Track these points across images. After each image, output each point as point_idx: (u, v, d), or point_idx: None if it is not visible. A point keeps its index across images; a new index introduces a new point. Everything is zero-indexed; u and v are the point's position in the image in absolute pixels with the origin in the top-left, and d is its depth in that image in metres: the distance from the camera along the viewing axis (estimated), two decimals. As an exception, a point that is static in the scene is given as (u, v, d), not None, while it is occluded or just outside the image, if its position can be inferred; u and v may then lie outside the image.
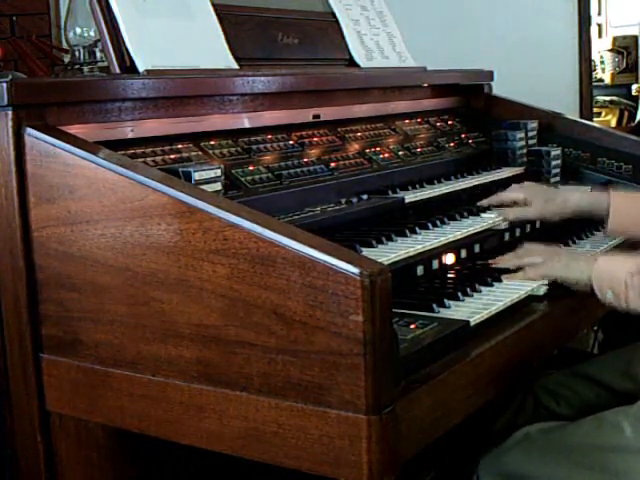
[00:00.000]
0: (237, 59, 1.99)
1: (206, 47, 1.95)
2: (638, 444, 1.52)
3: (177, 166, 1.59)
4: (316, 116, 2.10)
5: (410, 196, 1.97)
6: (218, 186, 1.56)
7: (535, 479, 1.61)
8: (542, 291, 1.69)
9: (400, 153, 2.22)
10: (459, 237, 1.82)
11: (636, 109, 7.16)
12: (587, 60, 4.03)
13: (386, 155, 2.16)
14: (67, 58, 2.44)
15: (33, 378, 1.49)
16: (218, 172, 1.57)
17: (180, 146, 1.72)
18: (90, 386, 1.43)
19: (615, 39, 7.69)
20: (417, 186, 2.08)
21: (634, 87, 7.34)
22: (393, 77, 2.43)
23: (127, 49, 1.78)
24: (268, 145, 1.91)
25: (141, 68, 1.77)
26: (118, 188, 1.34)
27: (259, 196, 1.71)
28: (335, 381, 1.18)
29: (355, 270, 1.15)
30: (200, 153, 1.74)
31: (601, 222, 1.99)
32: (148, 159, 1.62)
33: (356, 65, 2.39)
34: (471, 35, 3.95)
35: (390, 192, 1.99)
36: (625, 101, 7.34)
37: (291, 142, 1.97)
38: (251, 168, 1.79)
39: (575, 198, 2.00)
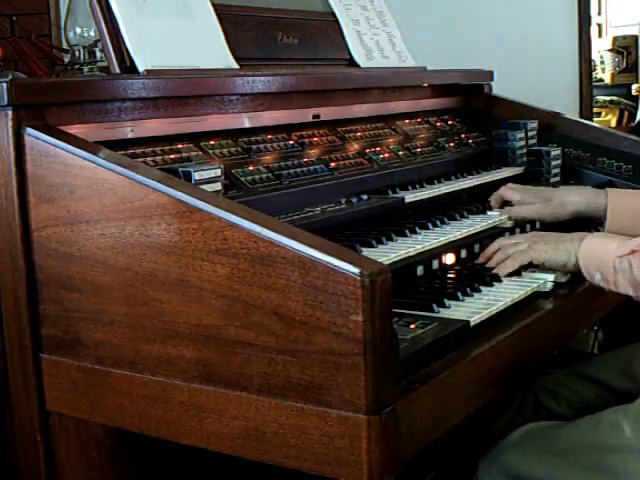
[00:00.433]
0: (237, 59, 1.99)
1: (206, 47, 1.95)
2: (637, 444, 1.52)
3: (177, 166, 1.59)
4: (316, 116, 2.10)
5: (410, 196, 1.98)
6: (218, 186, 1.56)
7: (534, 479, 1.61)
8: (549, 287, 1.70)
9: (400, 153, 2.22)
10: (459, 237, 1.81)
11: (636, 109, 7.16)
12: (587, 60, 4.03)
13: (386, 155, 2.16)
14: (67, 58, 2.44)
15: (33, 378, 1.49)
16: (218, 172, 1.57)
17: (180, 146, 1.72)
18: (90, 386, 1.43)
19: (615, 39, 7.69)
20: (417, 186, 2.08)
21: (634, 87, 7.34)
22: (393, 77, 2.43)
23: (127, 49, 1.78)
24: (268, 145, 1.91)
25: (141, 68, 1.77)
26: (118, 188, 1.34)
27: (259, 196, 1.71)
28: (335, 381, 1.18)
29: (355, 270, 1.15)
30: (200, 153, 1.74)
31: (600, 222, 1.99)
32: (148, 159, 1.62)
33: (356, 65, 2.39)
34: (471, 35, 3.96)
35: (390, 192, 1.99)
36: (625, 101, 7.34)
37: (291, 142, 1.97)
38: (251, 168, 1.79)
39: (572, 201, 1.99)
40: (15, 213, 1.44)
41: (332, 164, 1.98)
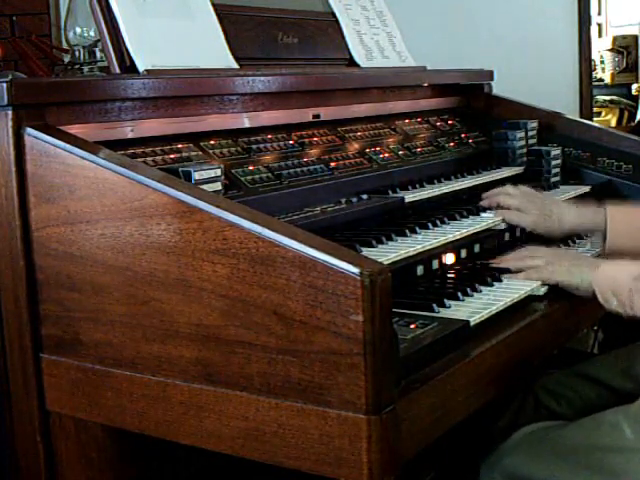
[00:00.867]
0: (237, 59, 1.99)
1: (206, 47, 1.95)
2: (638, 444, 1.52)
3: (177, 166, 1.59)
4: (316, 116, 2.10)
5: (410, 196, 1.97)
6: (218, 186, 1.56)
7: None
8: (542, 291, 1.70)
9: (400, 153, 2.22)
10: (459, 237, 1.81)
11: (636, 109, 7.16)
12: (587, 60, 4.03)
13: (386, 155, 2.16)
14: (67, 58, 2.44)
15: (33, 378, 1.49)
16: (218, 172, 1.57)
17: (180, 146, 1.72)
18: (90, 386, 1.43)
19: (615, 39, 7.69)
20: (417, 186, 2.08)
21: (634, 87, 7.34)
22: (393, 77, 2.43)
23: (127, 49, 1.78)
24: (268, 145, 1.91)
25: (141, 68, 1.77)
26: (118, 188, 1.34)
27: (259, 196, 1.70)
28: (335, 381, 1.18)
29: (355, 270, 1.15)
30: (200, 153, 1.74)
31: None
32: (148, 159, 1.62)
33: (356, 65, 2.39)
34: (471, 35, 3.96)
35: (390, 192, 1.99)
36: (625, 101, 7.34)
37: (291, 142, 1.97)
38: (251, 168, 1.79)
39: (570, 220, 1.96)
40: (15, 213, 1.44)
41: (332, 164, 1.97)
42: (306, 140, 2.01)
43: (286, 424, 1.23)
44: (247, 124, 1.91)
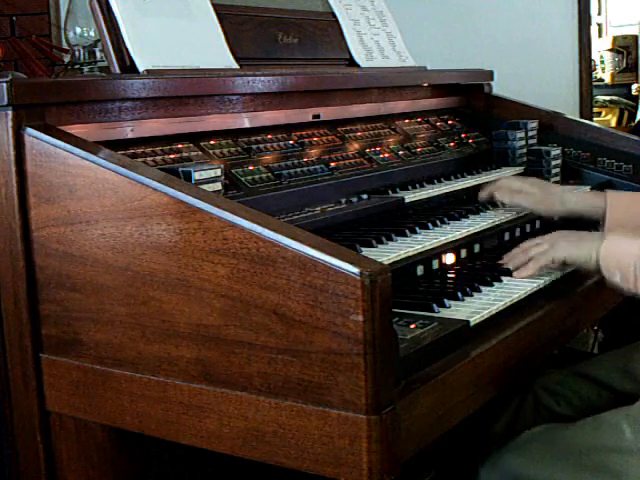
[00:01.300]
0: (237, 59, 1.99)
1: (206, 47, 1.95)
2: (638, 445, 1.52)
3: (177, 166, 1.59)
4: (316, 116, 2.10)
5: (410, 196, 1.98)
6: (218, 186, 1.56)
7: None
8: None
9: (400, 153, 2.22)
10: (459, 237, 1.82)
11: (636, 109, 7.16)
12: (587, 60, 4.03)
13: (386, 155, 2.16)
14: (67, 58, 2.44)
15: (33, 378, 1.49)
16: (218, 172, 1.57)
17: (180, 146, 1.72)
18: (90, 386, 1.43)
19: (615, 39, 7.69)
20: (417, 186, 2.08)
21: (634, 87, 7.35)
22: (393, 77, 2.43)
23: (127, 49, 1.78)
24: (268, 145, 1.91)
25: (141, 68, 1.77)
26: (118, 188, 1.34)
27: (259, 196, 1.71)
28: (335, 381, 1.18)
29: (355, 270, 1.15)
30: (200, 153, 1.74)
31: (597, 223, 1.98)
32: (148, 159, 1.62)
33: (356, 65, 2.39)
34: (471, 35, 3.96)
35: (390, 192, 1.99)
36: (625, 101, 7.35)
37: (291, 142, 1.97)
38: (251, 168, 1.79)
39: (571, 199, 2.00)
40: (15, 213, 1.44)
41: (332, 164, 1.98)
42: (306, 140, 2.01)
43: (286, 424, 1.23)
44: (247, 124, 1.92)
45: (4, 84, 1.39)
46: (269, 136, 1.94)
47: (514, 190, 2.01)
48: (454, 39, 3.95)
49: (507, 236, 2.05)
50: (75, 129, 1.50)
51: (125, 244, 1.34)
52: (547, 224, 2.08)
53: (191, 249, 1.28)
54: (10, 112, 1.41)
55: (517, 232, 2.09)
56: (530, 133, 2.51)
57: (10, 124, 1.41)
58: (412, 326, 1.41)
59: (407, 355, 1.29)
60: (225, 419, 1.29)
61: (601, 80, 7.49)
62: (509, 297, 1.60)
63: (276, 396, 1.23)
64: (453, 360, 1.37)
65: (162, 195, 1.30)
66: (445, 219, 1.89)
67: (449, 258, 1.81)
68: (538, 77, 3.85)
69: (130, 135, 1.65)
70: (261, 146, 1.88)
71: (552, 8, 4.00)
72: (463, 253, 1.86)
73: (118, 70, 1.77)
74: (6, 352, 1.52)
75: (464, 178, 2.23)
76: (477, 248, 1.91)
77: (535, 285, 1.68)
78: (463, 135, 2.54)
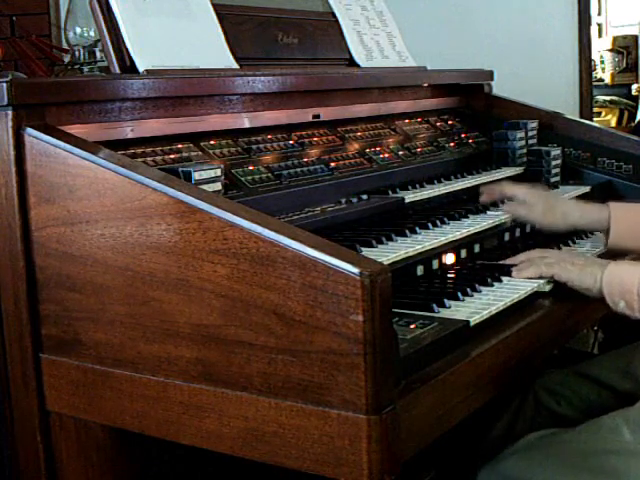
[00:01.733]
0: (237, 59, 1.99)
1: (206, 47, 1.95)
2: (637, 447, 1.52)
3: (177, 166, 1.59)
4: (316, 116, 2.10)
5: (410, 196, 1.98)
6: (218, 186, 1.56)
7: None
8: (547, 288, 1.69)
9: (400, 153, 2.22)
10: (459, 237, 1.81)
11: (636, 109, 7.16)
12: (587, 60, 4.03)
13: (386, 155, 2.16)
14: (67, 58, 2.44)
15: (33, 378, 1.49)
16: (218, 172, 1.57)
17: (180, 146, 1.72)
18: (90, 386, 1.43)
19: (615, 39, 7.70)
20: (417, 186, 2.08)
21: (634, 87, 7.35)
22: (393, 77, 2.43)
23: (127, 49, 1.78)
24: (268, 145, 1.91)
25: (141, 68, 1.77)
26: (118, 188, 1.34)
27: (259, 196, 1.71)
28: (335, 381, 1.18)
29: (355, 270, 1.15)
30: (200, 153, 1.74)
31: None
32: (148, 159, 1.62)
33: (356, 65, 2.39)
34: (471, 35, 3.96)
35: (390, 192, 1.99)
36: (625, 101, 7.35)
37: (291, 142, 1.97)
38: (251, 168, 1.79)
39: (575, 216, 1.96)
40: (15, 213, 1.44)
41: (332, 164, 1.98)
42: (306, 140, 2.01)
43: (286, 424, 1.23)
44: (247, 124, 1.92)
45: (4, 84, 1.39)
46: (269, 136, 1.94)
47: (517, 201, 1.99)
48: (454, 39, 3.95)
49: (507, 236, 2.05)
50: (75, 129, 1.51)
51: (125, 244, 1.34)
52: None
53: (191, 249, 1.28)
54: (10, 112, 1.41)
55: (517, 232, 2.09)
56: (530, 133, 2.51)
57: (10, 124, 1.41)
58: (412, 326, 1.41)
59: (407, 355, 1.29)
60: (225, 419, 1.29)
61: (601, 80, 7.49)
62: (509, 297, 1.60)
63: (276, 396, 1.23)
64: (453, 360, 1.37)
65: (162, 195, 1.30)
66: (445, 219, 1.89)
67: (449, 258, 1.81)
68: (538, 77, 3.85)
69: (130, 135, 1.65)
70: (261, 146, 1.88)
71: (552, 8, 4.00)
72: (463, 253, 1.86)
73: (118, 70, 1.77)
74: (6, 352, 1.52)
75: (464, 178, 2.23)
76: (477, 248, 1.91)
77: (535, 285, 1.68)
78: (463, 135, 2.54)
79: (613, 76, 7.57)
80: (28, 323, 1.47)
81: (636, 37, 7.58)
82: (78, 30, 2.24)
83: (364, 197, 1.91)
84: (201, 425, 1.31)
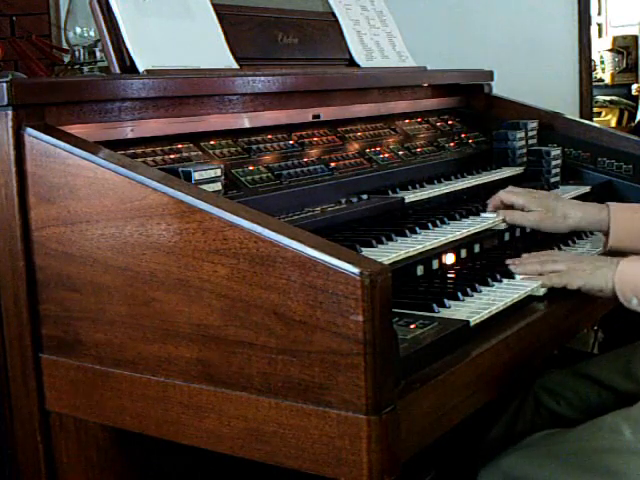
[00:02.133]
0: (237, 59, 1.99)
1: (206, 47, 1.95)
2: (638, 446, 1.52)
3: (177, 166, 1.59)
4: (316, 116, 2.10)
5: (410, 196, 1.97)
6: (218, 186, 1.56)
7: None
8: (542, 292, 1.69)
9: (400, 153, 2.22)
10: (459, 237, 1.81)
11: (636, 109, 7.16)
12: (587, 60, 4.03)
13: (386, 155, 2.16)
14: (67, 58, 2.44)
15: (33, 378, 1.49)
16: (218, 172, 1.57)
17: (180, 146, 1.72)
18: (90, 386, 1.43)
19: (615, 39, 7.70)
20: (417, 186, 2.08)
21: (634, 87, 7.35)
22: (393, 77, 2.43)
23: (127, 49, 1.78)
24: (268, 145, 1.91)
25: (141, 68, 1.77)
26: (118, 188, 1.34)
27: (259, 196, 1.71)
28: (335, 381, 1.18)
29: (355, 270, 1.15)
30: (200, 153, 1.74)
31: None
32: (148, 159, 1.62)
33: (356, 65, 2.39)
34: (471, 35, 3.96)
35: (390, 192, 1.99)
36: (625, 101, 7.35)
37: (291, 142, 1.97)
38: (251, 168, 1.79)
39: (575, 216, 1.95)
40: (15, 213, 1.44)
41: (332, 164, 1.98)
42: (306, 140, 2.01)
43: (286, 424, 1.23)
44: (247, 124, 1.92)
45: (4, 84, 1.39)
46: (269, 136, 1.94)
47: (517, 208, 1.97)
48: (454, 39, 3.95)
49: (507, 236, 2.05)
50: (75, 129, 1.51)
51: (125, 244, 1.34)
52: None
53: (191, 249, 1.28)
54: (10, 112, 1.41)
55: (517, 232, 2.09)
56: (530, 133, 2.51)
57: (10, 124, 1.41)
58: (412, 326, 1.41)
59: (407, 355, 1.29)
60: (225, 419, 1.29)
61: (601, 80, 7.49)
62: (509, 297, 1.60)
63: (276, 396, 1.23)
64: (453, 360, 1.37)
65: (162, 195, 1.30)
66: (445, 219, 1.89)
67: (449, 258, 1.81)
68: (538, 77, 3.85)
69: (130, 135, 1.65)
70: (261, 146, 1.88)
71: (552, 8, 4.00)
72: (463, 253, 1.86)
73: (118, 70, 1.77)
74: (6, 352, 1.52)
75: (464, 178, 2.23)
76: (477, 248, 1.91)
77: (535, 285, 1.68)
78: (463, 135, 2.54)
79: (613, 76, 7.57)
80: (28, 323, 1.47)
81: (636, 37, 7.58)
82: (78, 30, 2.24)
83: (364, 197, 1.90)
84: (201, 425, 1.32)
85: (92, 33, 2.22)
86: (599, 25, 8.01)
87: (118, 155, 1.44)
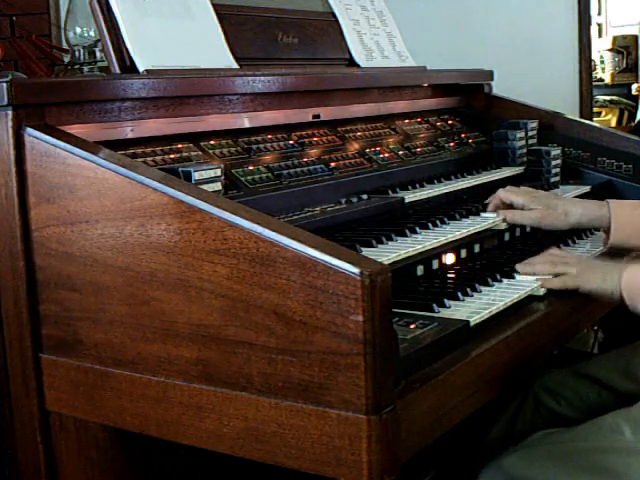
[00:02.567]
0: (237, 59, 1.99)
1: (206, 47, 1.95)
2: (638, 445, 1.52)
3: (177, 166, 1.59)
4: (316, 116, 2.10)
5: (410, 196, 1.97)
6: (218, 186, 1.56)
7: None
8: (542, 292, 1.69)
9: (400, 153, 2.22)
10: (459, 237, 1.81)
11: (636, 109, 7.16)
12: (587, 60, 4.03)
13: (386, 155, 2.16)
14: (67, 58, 2.44)
15: (33, 378, 1.49)
16: (218, 172, 1.57)
17: (180, 146, 1.72)
18: (90, 386, 1.43)
19: (615, 39, 7.70)
20: (417, 186, 2.08)
21: (634, 87, 7.35)
22: (393, 77, 2.43)
23: (127, 49, 1.78)
24: (268, 145, 1.91)
25: (141, 68, 1.77)
26: (118, 188, 1.34)
27: (259, 196, 1.71)
28: (335, 381, 1.18)
29: (355, 270, 1.15)
30: (200, 153, 1.74)
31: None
32: (148, 159, 1.62)
33: (356, 65, 2.39)
34: (471, 35, 3.96)
35: (390, 192, 1.99)
36: (625, 101, 7.35)
37: (291, 142, 1.97)
38: (251, 168, 1.79)
39: (575, 212, 1.95)
40: (15, 213, 1.44)
41: (332, 164, 1.98)
42: (306, 140, 2.01)
43: (286, 424, 1.23)
44: (247, 124, 1.92)
45: (4, 84, 1.39)
46: (269, 136, 1.94)
47: (517, 207, 1.97)
48: (454, 39, 3.95)
49: (507, 236, 2.05)
50: (75, 129, 1.51)
51: (125, 244, 1.34)
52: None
53: (191, 249, 1.28)
54: (10, 112, 1.41)
55: (517, 232, 2.09)
56: (530, 133, 2.51)
57: (10, 124, 1.41)
58: (412, 326, 1.41)
59: (407, 355, 1.29)
60: (225, 419, 1.29)
61: (601, 80, 7.49)
62: (509, 297, 1.60)
63: (276, 396, 1.23)
64: (453, 360, 1.37)
65: (162, 195, 1.30)
66: (445, 219, 1.89)
67: (449, 258, 1.81)
68: (538, 77, 3.85)
69: (130, 135, 1.65)
70: (261, 146, 1.88)
71: (552, 8, 4.00)
72: (463, 253, 1.86)
73: (118, 70, 1.77)
74: (6, 352, 1.52)
75: (464, 178, 2.23)
76: (477, 248, 1.91)
77: (535, 285, 1.69)
78: (463, 135, 2.54)
79: (613, 76, 7.57)
80: (28, 323, 1.47)
81: (636, 37, 7.58)
82: (78, 30, 2.24)
83: (364, 197, 1.90)
84: (201, 425, 1.32)
85: (92, 33, 2.22)
86: (599, 25, 8.01)
87: (118, 155, 1.44)
